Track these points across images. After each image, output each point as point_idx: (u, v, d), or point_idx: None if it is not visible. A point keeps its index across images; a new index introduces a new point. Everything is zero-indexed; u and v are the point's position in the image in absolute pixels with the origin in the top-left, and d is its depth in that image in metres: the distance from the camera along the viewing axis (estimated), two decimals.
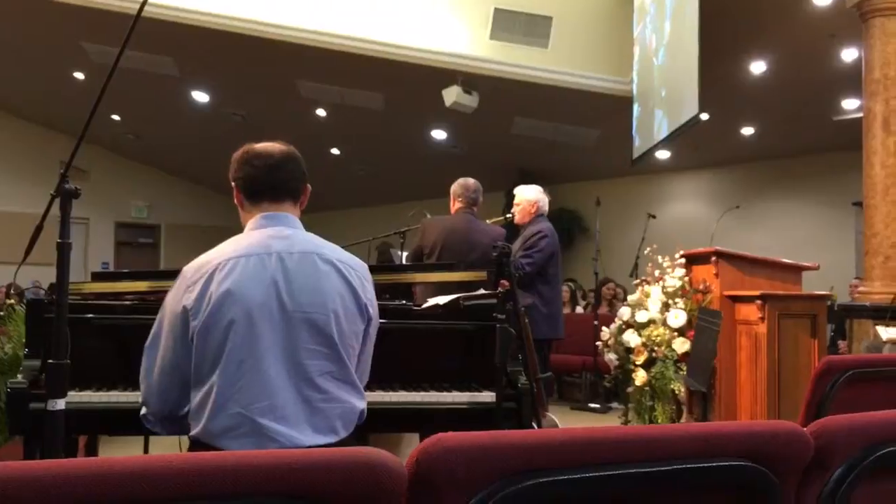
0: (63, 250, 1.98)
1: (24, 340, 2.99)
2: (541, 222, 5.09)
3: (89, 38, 10.40)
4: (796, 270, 4.68)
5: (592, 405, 7.69)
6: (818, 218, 11.04)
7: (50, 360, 2.00)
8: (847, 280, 8.96)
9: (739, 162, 11.65)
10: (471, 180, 4.85)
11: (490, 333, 2.76)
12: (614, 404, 7.42)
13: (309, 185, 2.17)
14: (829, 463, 1.19)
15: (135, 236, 17.17)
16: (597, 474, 1.00)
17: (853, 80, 6.88)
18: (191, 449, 1.98)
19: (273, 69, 10.61)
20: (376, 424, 2.64)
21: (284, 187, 2.10)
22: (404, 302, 3.35)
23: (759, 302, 4.29)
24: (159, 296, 3.04)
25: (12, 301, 4.41)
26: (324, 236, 2.13)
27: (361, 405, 2.05)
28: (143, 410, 2.09)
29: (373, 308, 2.10)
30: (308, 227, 2.13)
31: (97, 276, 3.38)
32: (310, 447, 1.85)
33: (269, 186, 2.08)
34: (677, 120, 7.27)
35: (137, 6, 2.11)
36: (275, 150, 2.10)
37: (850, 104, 9.07)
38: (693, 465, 1.08)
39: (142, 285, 3.12)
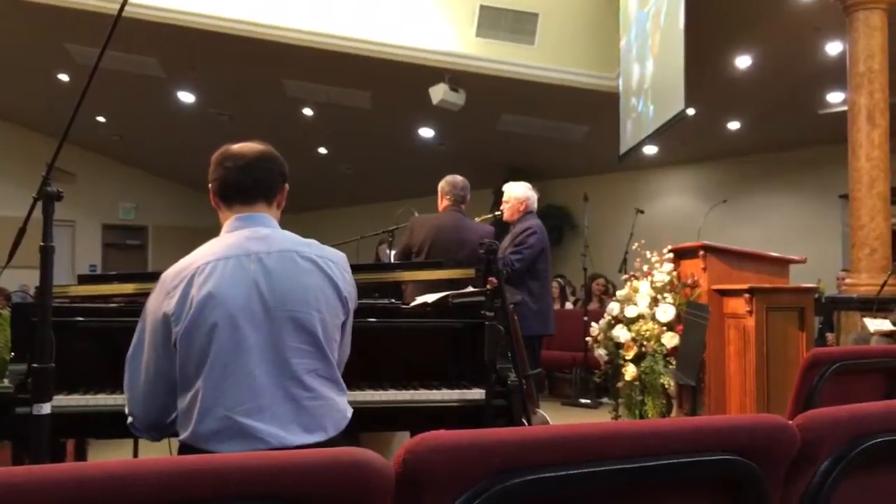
0: (46, 254, 1.97)
1: (9, 345, 2.97)
2: (530, 219, 5.10)
3: (73, 39, 10.33)
4: (783, 263, 4.71)
5: (583, 401, 7.71)
6: (805, 211, 11.09)
7: (34, 365, 1.99)
8: (834, 272, 9.00)
9: (726, 156, 11.70)
10: (458, 178, 4.85)
11: (479, 331, 2.77)
12: (605, 399, 7.44)
13: (287, 185, 2.16)
14: (816, 456, 1.19)
15: (122, 238, 17.08)
16: (583, 471, 1.00)
17: (838, 73, 6.91)
18: (180, 453, 1.97)
19: (259, 69, 10.57)
20: (367, 424, 2.65)
21: (256, 188, 2.08)
22: (393, 301, 3.35)
23: (746, 295, 4.31)
24: (147, 298, 3.04)
25: None
26: (311, 236, 2.13)
27: (345, 402, 2.06)
28: (130, 419, 2.08)
29: (352, 302, 2.11)
30: (295, 227, 2.12)
31: (83, 279, 3.36)
32: (299, 447, 1.85)
33: (240, 188, 2.07)
34: (664, 115, 7.28)
35: (120, 7, 2.10)
36: (248, 151, 2.09)
37: (835, 97, 9.12)
38: (680, 460, 1.08)
39: (128, 287, 3.12)
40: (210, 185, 2.11)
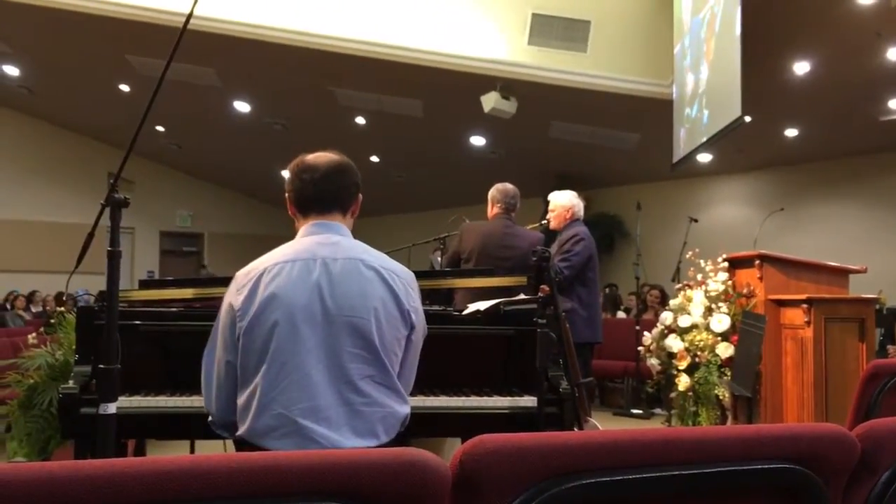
0: (113, 258, 2.04)
1: (74, 347, 3.06)
2: (576, 226, 5.08)
3: (134, 51, 10.63)
4: (843, 273, 4.59)
5: (635, 411, 7.63)
6: (865, 220, 10.81)
7: (101, 365, 2.05)
8: None
9: (783, 164, 11.47)
10: (509, 185, 4.85)
11: (530, 338, 2.77)
12: (657, 410, 7.36)
13: (360, 195, 2.21)
14: (876, 466, 1.17)
15: (179, 245, 17.47)
16: (640, 476, 1.00)
17: None
18: (237, 448, 2.02)
19: (312, 78, 10.73)
20: (418, 429, 2.66)
21: (331, 199, 2.14)
22: (444, 307, 3.37)
23: (804, 306, 4.22)
24: (205, 303, 3.12)
25: (63, 309, 4.52)
26: (363, 243, 2.16)
27: (404, 410, 2.07)
28: (210, 417, 2.14)
29: (416, 315, 2.12)
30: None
31: (144, 284, 3.45)
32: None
33: (315, 199, 2.13)
34: (719, 122, 7.18)
35: (180, 19, 2.17)
36: (323, 163, 2.14)
37: None
38: (737, 468, 1.07)
39: (188, 292, 3.19)
40: (287, 195, 2.17)
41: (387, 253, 2.20)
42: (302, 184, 2.13)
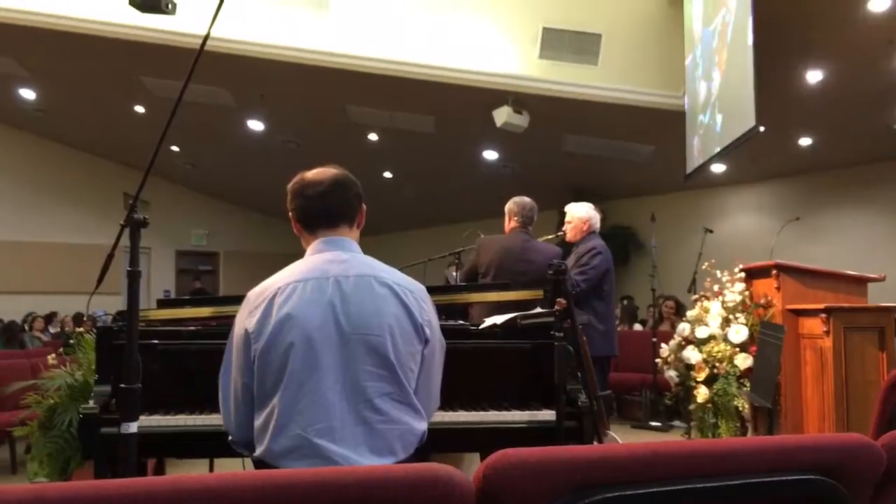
0: (133, 278, 2.05)
1: (93, 367, 3.08)
2: (593, 239, 5.06)
3: (149, 72, 10.73)
4: (862, 282, 4.56)
5: (653, 423, 7.58)
6: (882, 228, 10.73)
7: (122, 385, 2.06)
8: None
9: (798, 173, 11.42)
10: (526, 199, 4.85)
11: (548, 352, 2.76)
12: (675, 422, 7.31)
13: (364, 206, 2.20)
14: None
15: (195, 264, 17.55)
16: (664, 489, 1.00)
17: None
18: (255, 469, 2.01)
19: (325, 96, 10.79)
20: (436, 444, 2.66)
21: (337, 213, 2.14)
22: (461, 322, 3.37)
23: (823, 315, 4.19)
24: (222, 321, 3.13)
25: (82, 329, 4.55)
26: (378, 259, 2.16)
27: (422, 427, 2.06)
28: (230, 436, 2.13)
29: (430, 329, 2.10)
30: (362, 250, 2.16)
31: (162, 304, 3.47)
32: None
33: (321, 215, 2.13)
34: (733, 132, 7.16)
35: (194, 41, 2.20)
36: (324, 178, 2.14)
37: None
38: (762, 480, 1.07)
39: (205, 311, 3.20)
40: (290, 213, 2.17)
41: (402, 269, 2.19)
42: (306, 201, 2.13)
